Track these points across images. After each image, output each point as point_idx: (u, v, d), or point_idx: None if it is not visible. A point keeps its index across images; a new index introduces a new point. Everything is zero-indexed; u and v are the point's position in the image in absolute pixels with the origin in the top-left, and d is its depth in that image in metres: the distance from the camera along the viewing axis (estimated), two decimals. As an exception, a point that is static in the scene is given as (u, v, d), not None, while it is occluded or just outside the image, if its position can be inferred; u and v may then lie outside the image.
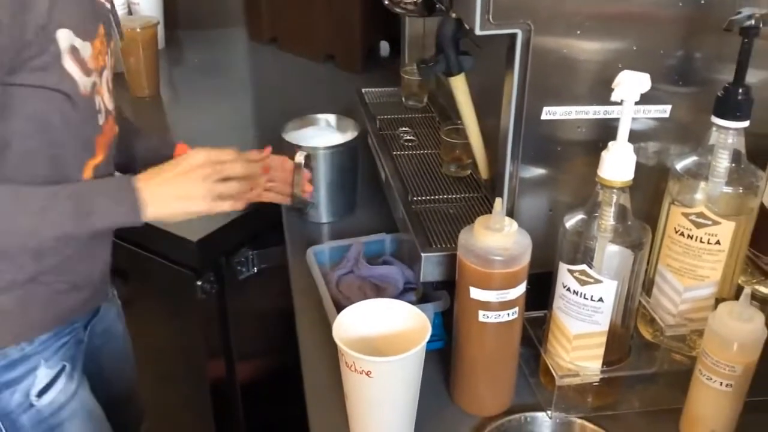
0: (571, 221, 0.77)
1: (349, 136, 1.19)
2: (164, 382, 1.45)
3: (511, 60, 0.80)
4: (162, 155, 0.96)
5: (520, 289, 0.76)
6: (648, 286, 0.86)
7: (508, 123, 0.83)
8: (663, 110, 0.84)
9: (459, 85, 0.96)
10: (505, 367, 0.82)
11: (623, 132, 0.72)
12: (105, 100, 0.88)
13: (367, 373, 0.71)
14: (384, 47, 1.94)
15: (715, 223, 0.77)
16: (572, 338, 0.79)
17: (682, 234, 0.79)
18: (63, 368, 0.93)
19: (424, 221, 0.98)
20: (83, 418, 0.97)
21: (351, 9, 1.77)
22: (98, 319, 1.03)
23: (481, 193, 1.05)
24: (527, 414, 0.81)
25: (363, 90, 1.43)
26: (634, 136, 0.73)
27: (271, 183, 1.07)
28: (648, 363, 0.83)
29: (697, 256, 0.79)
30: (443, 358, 0.88)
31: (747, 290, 0.72)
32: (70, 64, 0.79)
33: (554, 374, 0.79)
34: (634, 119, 0.72)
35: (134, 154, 1.03)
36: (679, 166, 0.80)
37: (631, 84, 0.70)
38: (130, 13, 1.88)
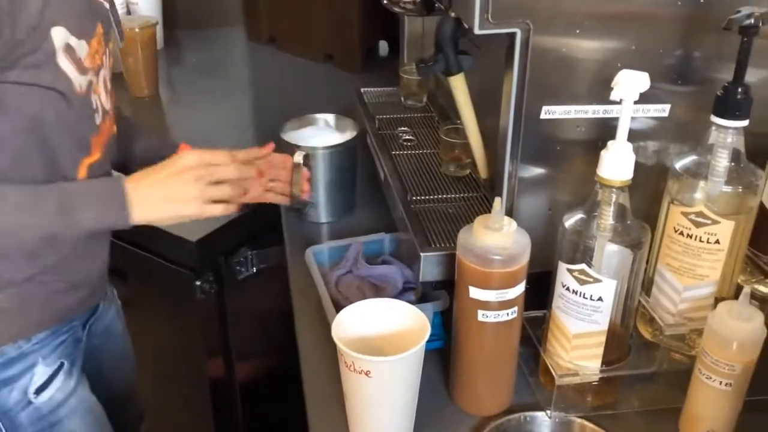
0: (571, 220, 0.77)
1: (347, 135, 1.19)
2: (163, 382, 1.45)
3: (510, 59, 0.80)
4: (161, 155, 0.95)
5: (520, 289, 0.76)
6: (647, 286, 0.86)
7: (507, 122, 0.83)
8: (662, 109, 0.84)
9: (458, 85, 0.96)
10: (504, 367, 0.82)
11: (622, 131, 0.72)
12: (102, 99, 0.88)
13: (367, 373, 0.71)
14: (383, 47, 1.94)
15: (715, 222, 0.77)
16: (571, 338, 0.79)
17: (681, 233, 0.79)
18: (61, 366, 0.93)
19: (423, 221, 0.98)
20: (82, 416, 0.97)
21: (350, 9, 1.77)
22: (97, 318, 1.03)
23: (480, 193, 1.05)
24: (527, 413, 0.81)
25: (362, 90, 1.43)
26: (634, 136, 0.73)
27: (273, 183, 1.07)
28: (647, 362, 0.83)
29: (697, 255, 0.79)
30: (442, 357, 0.88)
31: (746, 289, 0.71)
32: (64, 62, 0.78)
33: (554, 374, 0.79)
34: (633, 118, 0.72)
35: (133, 154, 1.03)
36: (679, 165, 0.80)
37: (631, 83, 0.70)
38: (128, 13, 1.88)
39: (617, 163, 0.72)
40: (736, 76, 0.74)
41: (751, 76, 0.74)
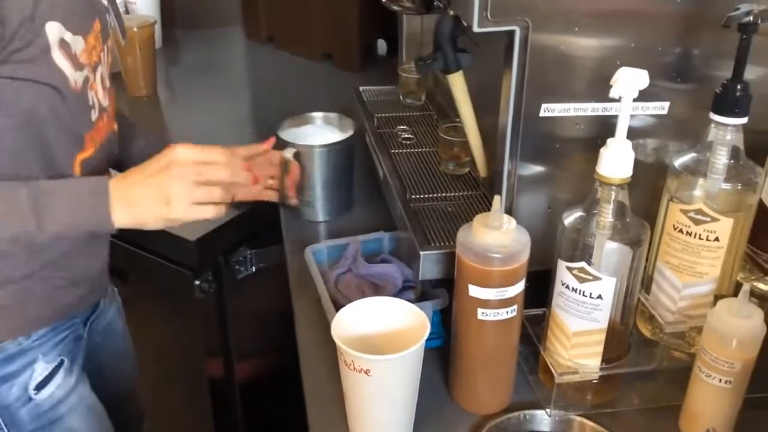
0: (570, 218, 0.77)
1: (345, 134, 1.19)
2: (163, 381, 1.45)
3: (509, 57, 0.80)
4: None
5: (519, 287, 0.76)
6: (647, 283, 0.86)
7: (506, 120, 0.83)
8: (661, 107, 0.84)
9: (457, 83, 0.96)
10: (504, 365, 0.82)
11: (622, 129, 0.72)
12: (99, 96, 0.88)
13: (366, 372, 0.71)
14: (381, 45, 1.94)
15: (714, 219, 0.77)
16: (571, 336, 0.79)
17: (680, 231, 0.79)
18: (61, 363, 0.93)
19: (422, 219, 0.98)
20: (82, 413, 0.97)
21: (348, 7, 1.77)
22: (98, 315, 1.03)
23: (479, 191, 1.05)
24: (526, 412, 0.81)
25: (361, 88, 1.43)
26: (633, 133, 0.73)
27: (272, 180, 1.07)
28: (647, 360, 0.83)
29: (696, 252, 0.79)
30: (442, 356, 0.88)
31: (746, 287, 0.72)
32: (59, 58, 0.78)
33: (553, 372, 0.79)
34: (632, 116, 0.72)
35: (130, 153, 1.03)
36: (678, 162, 0.80)
37: (630, 81, 0.70)
38: (127, 12, 1.88)
39: (616, 161, 0.72)
40: (735, 74, 0.74)
41: (750, 73, 0.74)
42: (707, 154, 0.77)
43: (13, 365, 0.89)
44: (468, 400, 0.83)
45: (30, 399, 0.91)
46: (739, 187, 0.77)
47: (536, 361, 0.86)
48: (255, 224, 1.29)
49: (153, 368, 1.34)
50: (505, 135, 0.83)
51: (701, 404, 0.76)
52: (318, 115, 1.24)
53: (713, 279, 0.81)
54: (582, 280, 0.75)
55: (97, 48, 0.85)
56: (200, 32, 2.14)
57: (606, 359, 0.80)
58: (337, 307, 0.80)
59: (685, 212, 0.78)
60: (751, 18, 0.71)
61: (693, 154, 0.79)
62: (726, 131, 0.75)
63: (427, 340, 0.73)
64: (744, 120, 0.75)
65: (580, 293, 0.76)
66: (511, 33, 0.78)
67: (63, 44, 0.78)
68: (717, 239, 0.78)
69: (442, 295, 0.90)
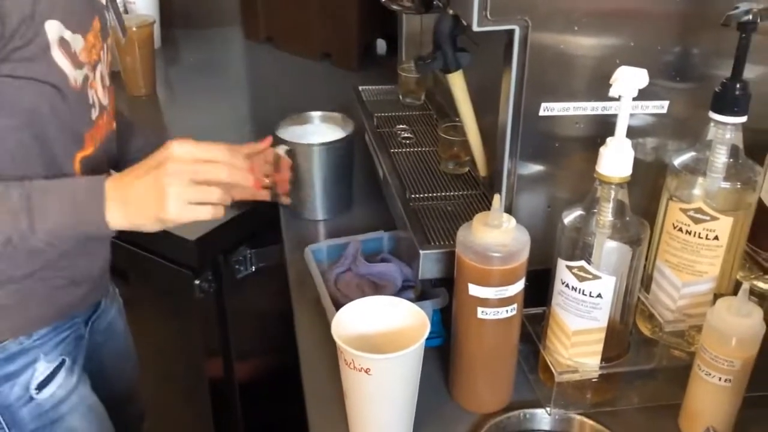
0: (570, 217, 0.77)
1: (344, 133, 1.19)
2: (163, 381, 1.45)
3: (508, 56, 0.80)
4: None
5: (519, 286, 0.76)
6: (646, 282, 0.86)
7: (506, 119, 0.83)
8: (660, 106, 0.84)
9: (456, 82, 0.96)
10: (504, 364, 0.82)
11: (621, 128, 0.72)
12: (99, 94, 0.88)
13: (366, 371, 0.71)
14: (381, 45, 1.94)
15: (713, 218, 0.77)
16: (571, 334, 0.79)
17: (680, 230, 0.79)
18: (62, 362, 0.93)
19: (422, 219, 0.98)
20: (83, 413, 0.97)
21: (347, 7, 1.77)
22: (99, 315, 1.03)
23: (479, 190, 1.05)
24: (526, 410, 0.81)
25: (360, 88, 1.43)
26: (632, 132, 0.73)
27: (267, 179, 1.07)
28: (647, 359, 0.83)
29: (696, 251, 0.79)
30: (442, 355, 0.88)
31: (745, 285, 0.72)
32: (59, 56, 0.78)
33: (553, 371, 0.79)
34: (631, 115, 0.72)
35: (129, 153, 1.03)
36: (677, 161, 0.80)
37: (629, 80, 0.70)
38: (126, 11, 1.88)
39: (616, 160, 0.72)
40: (734, 73, 0.74)
41: (750, 72, 0.74)
42: (707, 153, 0.77)
43: (14, 364, 0.89)
44: (468, 399, 0.83)
45: (31, 398, 0.91)
46: (739, 186, 0.77)
47: (536, 359, 0.86)
48: (255, 224, 1.29)
49: (153, 368, 1.34)
50: (505, 134, 0.83)
51: (701, 403, 0.76)
52: (316, 114, 1.24)
53: (713, 278, 0.81)
54: (582, 279, 0.75)
55: (96, 46, 0.85)
56: (199, 32, 2.14)
57: (606, 358, 0.80)
58: (337, 306, 0.80)
59: (684, 211, 0.78)
60: (751, 17, 0.71)
61: (692, 153, 0.79)
62: (725, 130, 0.75)
63: (427, 339, 0.73)
64: (743, 119, 0.75)
65: (579, 292, 0.76)
66: (511, 32, 0.78)
67: (63, 42, 0.78)
68: (716, 238, 0.78)
69: (442, 295, 0.90)
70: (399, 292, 0.93)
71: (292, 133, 1.19)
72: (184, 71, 1.97)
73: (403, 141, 1.21)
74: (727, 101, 0.74)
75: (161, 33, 1.98)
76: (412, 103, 1.36)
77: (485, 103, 0.93)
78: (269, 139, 1.04)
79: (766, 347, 0.73)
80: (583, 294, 0.76)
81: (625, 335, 0.82)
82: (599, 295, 0.75)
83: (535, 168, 0.86)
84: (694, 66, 0.83)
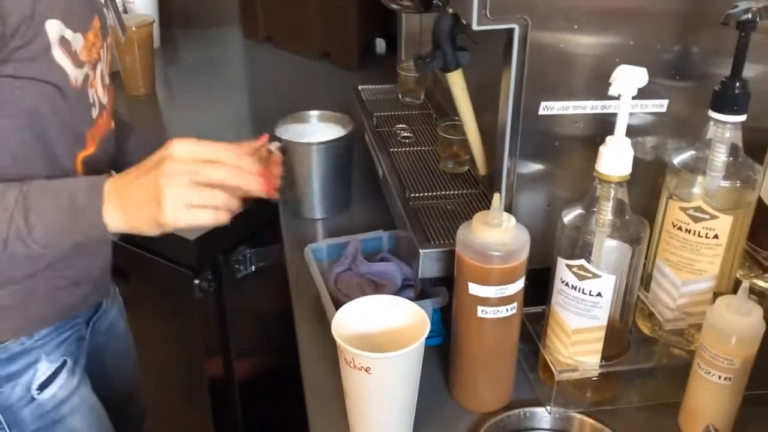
0: (569, 216, 0.77)
1: (343, 132, 1.19)
2: (163, 380, 1.45)
3: (508, 55, 0.80)
4: None
5: (519, 285, 0.76)
6: (646, 281, 0.86)
7: (505, 118, 0.83)
8: (660, 105, 0.84)
9: (456, 81, 0.96)
10: (503, 363, 0.82)
11: (621, 127, 0.72)
12: (99, 93, 0.88)
13: (366, 370, 0.71)
14: (380, 44, 1.93)
15: (713, 217, 0.77)
16: (571, 333, 0.79)
17: (680, 228, 0.79)
18: (64, 363, 0.93)
19: (422, 218, 0.98)
20: (84, 414, 0.97)
21: (347, 6, 1.77)
22: (101, 315, 1.03)
23: (479, 189, 1.05)
24: (526, 409, 0.81)
25: (359, 87, 1.43)
26: (632, 131, 0.73)
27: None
28: (647, 357, 0.83)
29: (695, 250, 0.79)
30: (442, 354, 0.88)
31: (745, 284, 0.72)
32: (60, 56, 0.78)
33: (553, 369, 0.79)
34: (631, 114, 0.72)
35: (126, 151, 1.03)
36: (677, 160, 0.80)
37: (629, 79, 0.70)
38: (125, 11, 1.88)
39: (616, 159, 0.72)
40: (733, 71, 0.74)
41: (749, 71, 0.74)
42: (706, 152, 0.77)
43: (15, 365, 0.89)
44: (468, 397, 0.83)
45: (33, 399, 0.91)
46: (738, 185, 0.77)
47: (536, 358, 0.86)
48: (254, 223, 1.29)
49: (153, 368, 1.34)
50: (505, 133, 0.83)
51: (701, 401, 0.76)
52: (315, 113, 1.24)
53: (712, 276, 0.81)
54: (581, 278, 0.75)
55: (96, 45, 0.85)
56: (198, 32, 2.14)
57: (605, 357, 0.80)
58: (337, 305, 0.80)
59: (684, 210, 0.78)
60: (750, 15, 0.71)
61: (692, 152, 0.79)
62: (725, 129, 0.75)
63: (427, 338, 0.73)
64: (743, 117, 0.75)
65: (579, 291, 0.76)
66: (510, 31, 0.78)
67: (63, 42, 0.78)
68: (716, 236, 0.78)
69: (442, 294, 0.90)
70: (399, 291, 0.93)
71: (291, 132, 1.19)
72: (183, 71, 1.97)
73: (403, 140, 1.21)
74: (726, 100, 0.74)
75: (160, 33, 1.98)
76: (412, 102, 1.36)
77: (485, 102, 0.93)
78: (266, 137, 1.04)
79: (766, 346, 0.73)
80: (582, 293, 0.76)
81: (624, 334, 0.82)
82: (599, 294, 0.75)
83: (535, 167, 0.86)
84: (693, 65, 0.83)
